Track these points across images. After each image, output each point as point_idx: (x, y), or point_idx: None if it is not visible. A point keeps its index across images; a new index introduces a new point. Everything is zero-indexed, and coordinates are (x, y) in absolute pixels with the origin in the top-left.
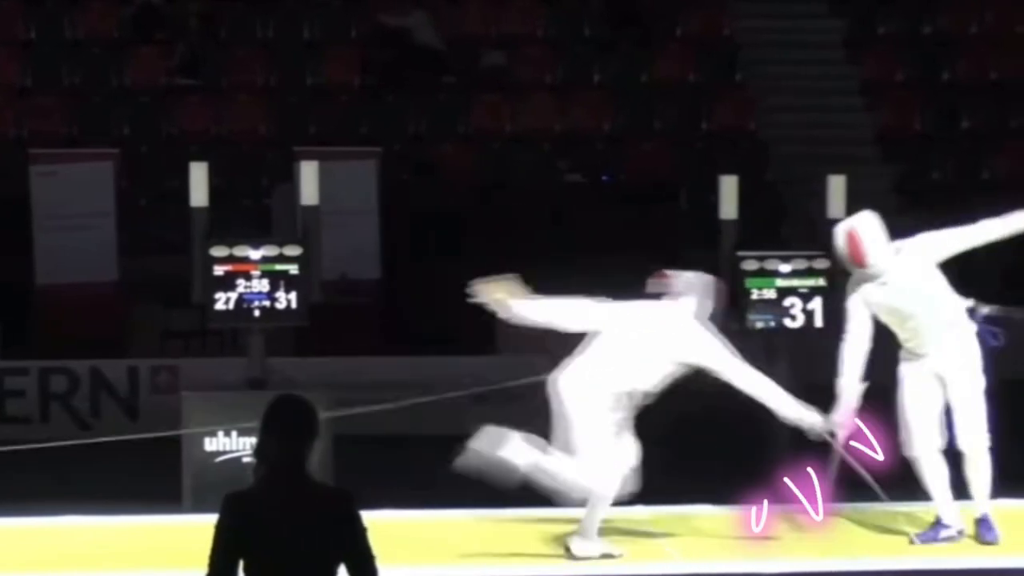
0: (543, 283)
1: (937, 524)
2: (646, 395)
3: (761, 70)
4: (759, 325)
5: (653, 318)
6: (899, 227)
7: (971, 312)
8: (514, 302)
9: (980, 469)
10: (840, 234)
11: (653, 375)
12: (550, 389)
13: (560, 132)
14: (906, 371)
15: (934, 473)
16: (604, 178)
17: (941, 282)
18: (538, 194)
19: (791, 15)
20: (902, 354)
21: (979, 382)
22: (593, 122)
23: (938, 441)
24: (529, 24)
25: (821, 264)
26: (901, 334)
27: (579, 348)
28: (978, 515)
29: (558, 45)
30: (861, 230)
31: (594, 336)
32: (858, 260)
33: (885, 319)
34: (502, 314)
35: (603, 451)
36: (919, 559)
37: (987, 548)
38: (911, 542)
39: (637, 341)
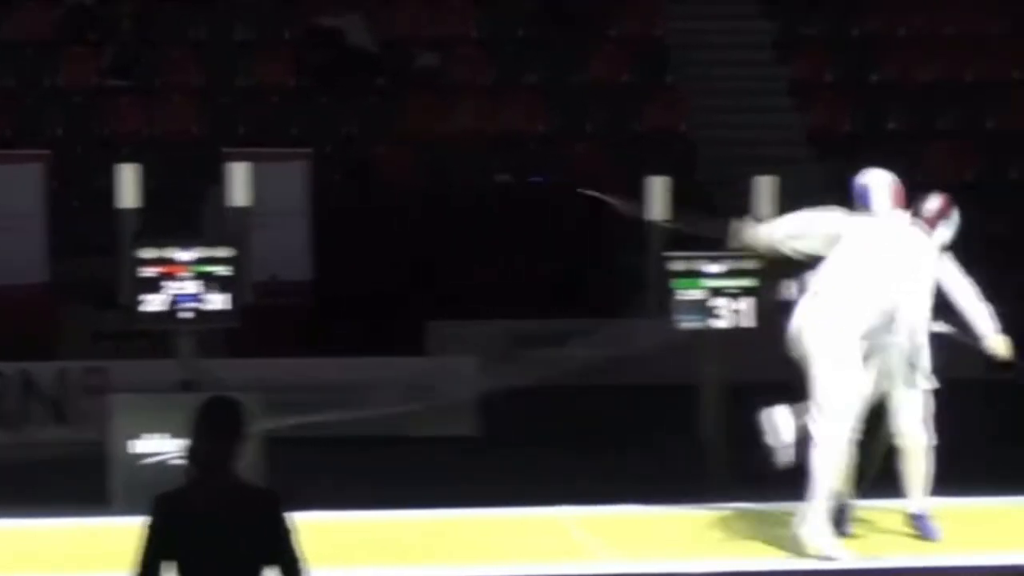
0: (474, 283)
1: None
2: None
3: (692, 71)
4: (686, 325)
5: (902, 239)
6: None
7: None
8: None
9: (915, 465)
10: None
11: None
12: (793, 344)
13: (493, 133)
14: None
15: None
16: (535, 179)
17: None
18: (471, 195)
19: (721, 16)
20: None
21: (922, 380)
22: (526, 123)
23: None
24: (462, 25)
25: (750, 264)
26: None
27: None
28: (918, 511)
29: (491, 46)
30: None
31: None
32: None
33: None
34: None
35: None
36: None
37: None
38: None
39: (882, 262)
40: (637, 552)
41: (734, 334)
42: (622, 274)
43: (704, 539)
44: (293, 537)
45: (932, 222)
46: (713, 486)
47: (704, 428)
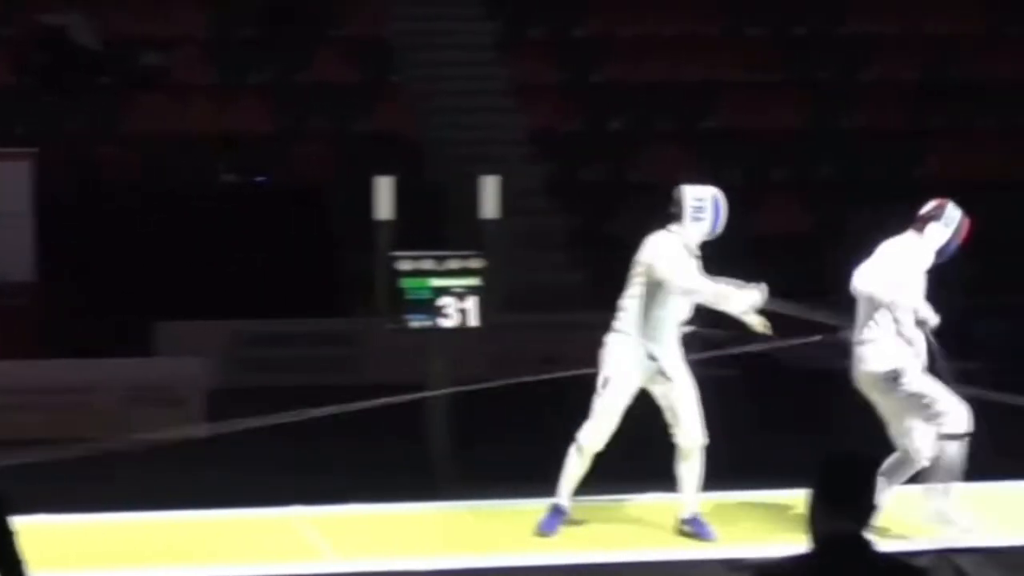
0: (201, 283)
1: (558, 511)
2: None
3: (417, 71)
4: (414, 324)
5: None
6: (551, 226)
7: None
8: None
9: (694, 466)
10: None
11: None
12: (860, 387)
13: (219, 133)
14: (628, 355)
15: (582, 468)
16: (260, 179)
17: None
18: (197, 195)
19: (446, 17)
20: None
21: (692, 381)
22: (250, 123)
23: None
24: (187, 25)
25: (476, 264)
26: (647, 313)
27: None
28: (688, 515)
29: (216, 46)
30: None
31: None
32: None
33: (658, 292)
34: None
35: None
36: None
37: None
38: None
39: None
40: (366, 552)
41: (460, 333)
42: (349, 274)
43: (432, 537)
44: (15, 540)
45: (922, 224)
46: (440, 485)
47: (431, 427)
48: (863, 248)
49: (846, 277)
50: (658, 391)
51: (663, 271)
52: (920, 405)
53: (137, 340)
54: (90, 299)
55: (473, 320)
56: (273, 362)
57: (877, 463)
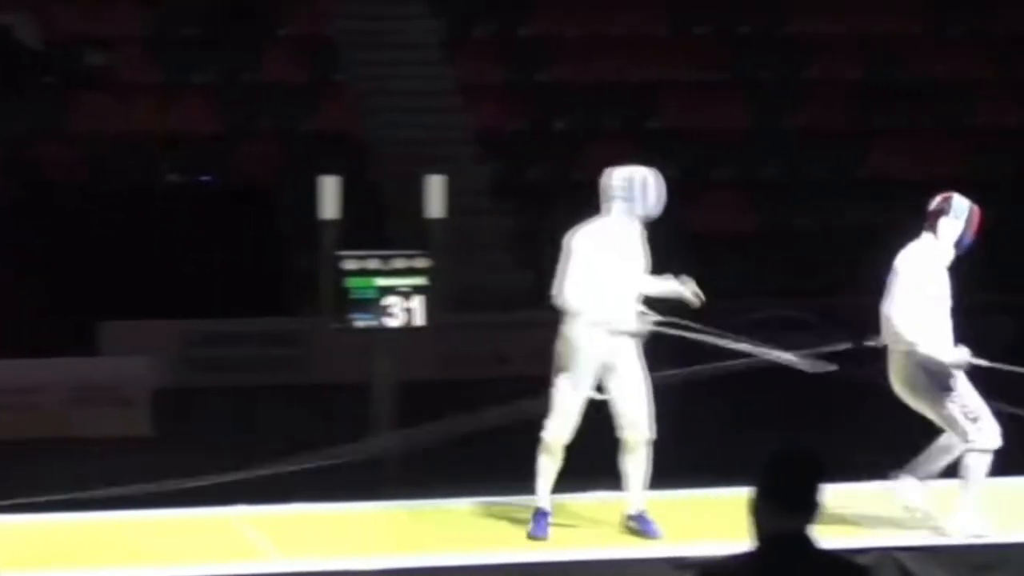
0: (147, 283)
1: (542, 514)
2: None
3: (363, 71)
4: (360, 324)
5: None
6: (497, 226)
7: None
8: None
9: (640, 461)
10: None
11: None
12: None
13: (163, 133)
14: (579, 349)
15: (554, 463)
16: (205, 179)
17: (639, 271)
18: (142, 195)
19: (392, 16)
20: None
21: (647, 376)
22: (195, 123)
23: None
24: (131, 24)
25: (422, 263)
26: (593, 303)
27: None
28: (635, 511)
29: (161, 45)
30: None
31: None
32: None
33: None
34: None
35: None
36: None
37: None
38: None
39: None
40: (310, 551)
41: (406, 332)
42: (295, 273)
43: (378, 536)
44: None
45: (933, 221)
46: (386, 484)
47: (377, 426)
48: (805, 248)
49: (789, 275)
50: (609, 384)
51: (560, 267)
52: (960, 414)
53: (82, 340)
54: (35, 299)
55: (419, 319)
56: (219, 362)
57: (820, 462)
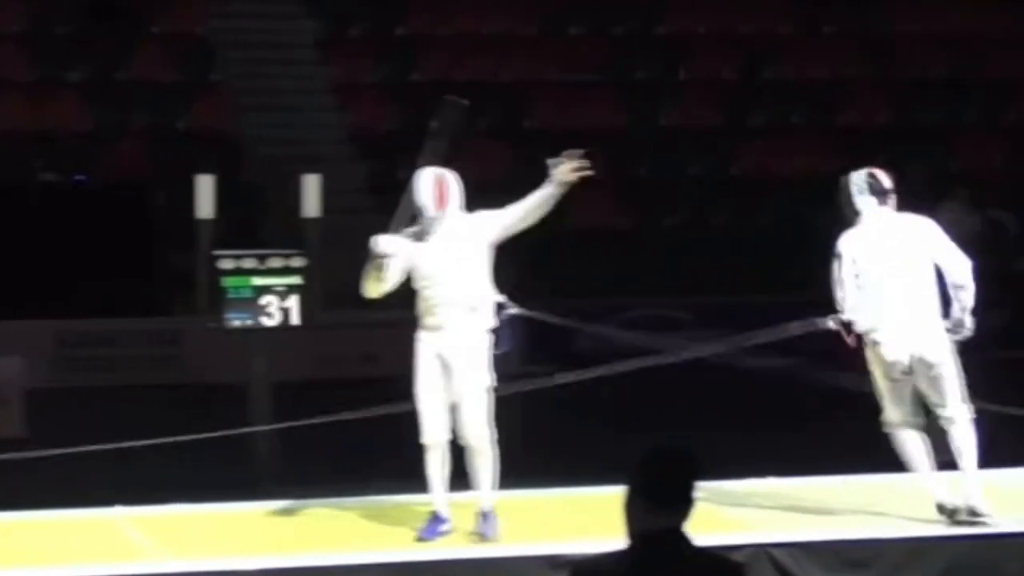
0: (19, 282)
1: (435, 519)
2: None
3: (237, 70)
4: (236, 323)
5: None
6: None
7: (499, 307)
8: None
9: (477, 464)
10: (428, 174)
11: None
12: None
13: (36, 131)
14: (421, 350)
15: (441, 465)
16: (79, 177)
17: (484, 264)
18: (14, 193)
19: (266, 15)
20: (420, 328)
21: (484, 377)
22: (69, 121)
23: (448, 433)
24: (4, 21)
25: (298, 262)
26: (422, 303)
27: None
28: (484, 509)
29: (33, 42)
30: (450, 178)
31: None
32: (439, 203)
33: (418, 279)
34: None
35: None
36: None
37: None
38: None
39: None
40: (189, 551)
41: (281, 332)
42: (171, 272)
43: (253, 536)
44: None
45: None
46: (261, 483)
47: (252, 426)
48: (679, 246)
49: (664, 274)
50: (449, 383)
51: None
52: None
53: None
54: None
55: (295, 319)
56: (94, 362)
57: (693, 459)
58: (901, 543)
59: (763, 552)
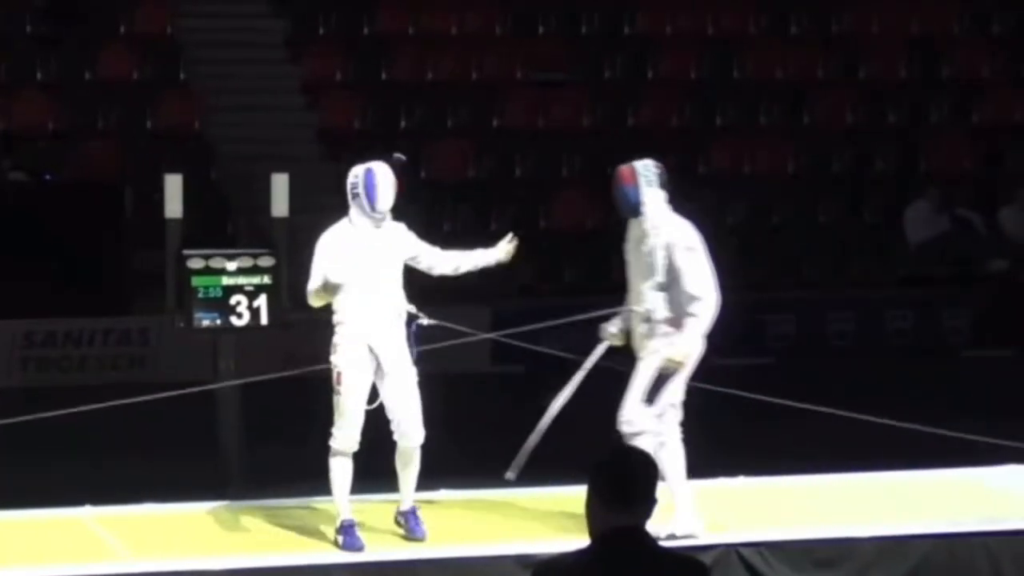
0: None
1: (351, 525)
2: None
3: (206, 69)
4: (206, 323)
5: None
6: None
7: (410, 317)
8: None
9: (412, 464)
10: (384, 169)
11: None
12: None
13: (4, 131)
14: (352, 355)
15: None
16: (47, 177)
17: (399, 273)
18: None
19: (234, 15)
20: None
21: (413, 376)
22: (36, 120)
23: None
24: None
25: (266, 262)
26: (335, 302)
27: None
28: (406, 508)
29: (0, 42)
30: (386, 172)
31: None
32: (378, 198)
33: (354, 283)
34: None
35: None
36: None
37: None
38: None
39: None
40: (158, 551)
41: (251, 332)
42: (140, 272)
43: (222, 536)
44: None
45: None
46: (229, 483)
47: (221, 426)
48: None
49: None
50: (381, 386)
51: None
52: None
53: None
54: None
55: (264, 318)
56: (62, 361)
57: (652, 459)
58: (870, 542)
59: (732, 552)
